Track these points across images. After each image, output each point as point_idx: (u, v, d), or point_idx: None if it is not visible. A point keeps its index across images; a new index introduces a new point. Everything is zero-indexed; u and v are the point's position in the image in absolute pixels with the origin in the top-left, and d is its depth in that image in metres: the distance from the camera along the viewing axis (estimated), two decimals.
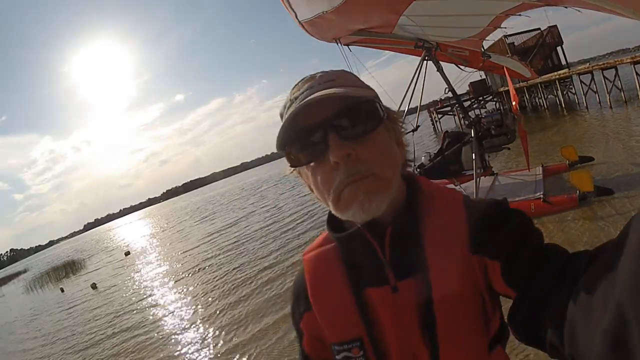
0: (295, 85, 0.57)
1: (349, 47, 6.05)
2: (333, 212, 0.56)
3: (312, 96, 0.50)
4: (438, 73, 5.71)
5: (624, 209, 3.97)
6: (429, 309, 0.54)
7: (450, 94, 5.88)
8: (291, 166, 0.57)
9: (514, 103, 5.10)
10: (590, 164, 5.81)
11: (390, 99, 6.37)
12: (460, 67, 6.22)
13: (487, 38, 5.73)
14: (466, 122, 5.54)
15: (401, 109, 6.10)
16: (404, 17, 4.78)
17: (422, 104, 6.18)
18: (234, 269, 7.65)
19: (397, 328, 0.56)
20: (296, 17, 4.74)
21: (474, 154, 5.24)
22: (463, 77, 6.37)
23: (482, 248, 0.54)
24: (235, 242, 10.60)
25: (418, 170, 5.94)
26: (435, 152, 5.96)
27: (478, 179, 5.21)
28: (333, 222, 0.62)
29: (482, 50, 5.90)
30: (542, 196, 4.60)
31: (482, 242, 0.54)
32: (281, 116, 0.57)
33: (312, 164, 0.54)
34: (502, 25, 5.28)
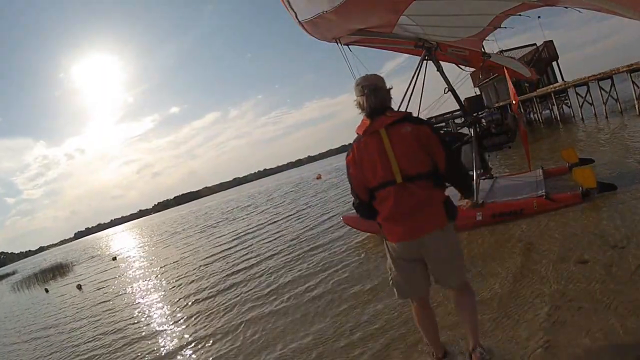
0: None
1: (349, 47, 6.05)
2: None
3: None
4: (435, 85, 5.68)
5: (629, 201, 3.91)
6: None
7: (448, 95, 5.84)
8: None
9: (514, 102, 5.07)
10: (590, 165, 5.75)
11: (394, 103, 6.33)
12: (461, 66, 6.24)
13: (486, 39, 5.77)
14: (466, 123, 5.48)
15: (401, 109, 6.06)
16: (404, 17, 4.78)
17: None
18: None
19: None
20: (296, 17, 4.71)
21: (474, 154, 5.16)
22: (462, 78, 6.37)
23: None
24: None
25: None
26: None
27: (478, 179, 5.11)
28: None
29: (482, 50, 5.92)
30: (544, 194, 4.51)
31: None
32: None
33: None
34: (502, 25, 5.31)
